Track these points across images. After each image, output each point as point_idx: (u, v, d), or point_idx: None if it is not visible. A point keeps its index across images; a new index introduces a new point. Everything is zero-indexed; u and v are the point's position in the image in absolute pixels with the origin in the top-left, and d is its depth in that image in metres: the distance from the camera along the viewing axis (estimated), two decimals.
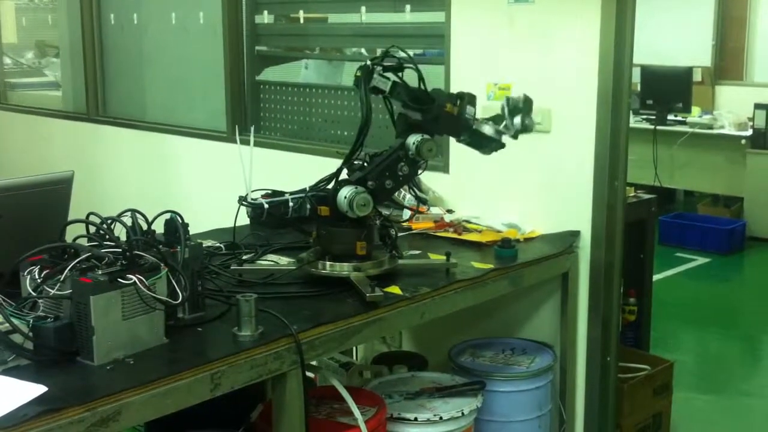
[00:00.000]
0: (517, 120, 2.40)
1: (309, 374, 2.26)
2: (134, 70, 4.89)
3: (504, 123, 2.40)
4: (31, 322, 1.68)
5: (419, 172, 2.39)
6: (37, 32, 6.42)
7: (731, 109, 7.40)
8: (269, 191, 2.28)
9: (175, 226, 1.99)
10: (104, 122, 4.99)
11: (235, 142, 2.31)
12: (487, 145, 2.43)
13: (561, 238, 2.81)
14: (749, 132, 6.85)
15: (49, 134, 5.41)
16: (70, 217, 2.10)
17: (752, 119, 6.84)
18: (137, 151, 4.75)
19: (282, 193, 2.27)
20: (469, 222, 2.91)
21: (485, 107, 2.42)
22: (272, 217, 2.24)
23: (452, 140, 2.50)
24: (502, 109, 2.41)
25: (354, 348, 3.24)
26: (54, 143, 5.37)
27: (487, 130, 2.40)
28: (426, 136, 2.31)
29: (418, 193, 2.89)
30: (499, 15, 2.94)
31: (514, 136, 2.42)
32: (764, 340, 5.08)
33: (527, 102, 2.42)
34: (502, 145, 2.44)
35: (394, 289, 2.23)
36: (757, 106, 6.76)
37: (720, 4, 8.69)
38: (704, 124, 7.18)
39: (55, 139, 5.37)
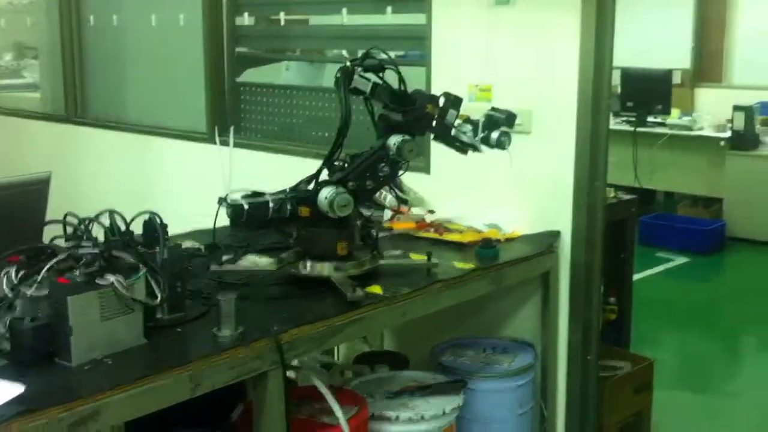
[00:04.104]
0: (495, 134, 2.42)
1: (290, 374, 2.26)
2: (114, 72, 4.86)
3: (481, 135, 2.41)
4: (8, 322, 1.67)
5: (400, 172, 2.39)
6: (15, 34, 6.35)
7: (710, 110, 7.47)
8: (249, 192, 2.27)
9: (154, 226, 1.98)
10: (83, 124, 4.95)
11: (215, 143, 2.31)
12: (464, 147, 2.44)
13: (542, 238, 2.82)
14: (728, 133, 6.92)
15: (28, 136, 5.36)
16: (49, 219, 2.09)
17: (731, 121, 6.91)
18: (117, 152, 4.72)
19: (262, 194, 2.26)
20: (450, 222, 2.92)
21: (466, 107, 2.44)
22: (252, 218, 2.24)
23: (433, 141, 2.51)
24: (484, 122, 2.42)
25: (335, 348, 3.24)
26: (33, 145, 5.32)
27: (466, 138, 2.40)
28: (407, 137, 2.31)
29: (399, 193, 2.89)
30: (480, 17, 2.95)
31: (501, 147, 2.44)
32: (743, 339, 5.13)
33: (510, 117, 2.43)
34: (480, 150, 2.45)
35: (375, 289, 2.23)
36: (736, 108, 6.83)
37: (699, 7, 8.76)
38: (684, 125, 7.24)
39: (34, 140, 5.32)
